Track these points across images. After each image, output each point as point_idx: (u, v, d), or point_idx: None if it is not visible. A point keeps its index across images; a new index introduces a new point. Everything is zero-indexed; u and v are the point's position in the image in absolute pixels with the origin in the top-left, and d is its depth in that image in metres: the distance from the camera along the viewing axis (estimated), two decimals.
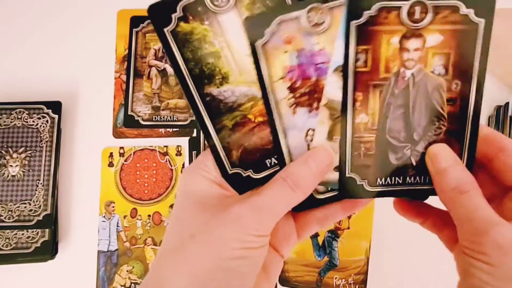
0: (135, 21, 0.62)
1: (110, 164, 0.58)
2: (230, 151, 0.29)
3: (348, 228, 0.55)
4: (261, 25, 0.27)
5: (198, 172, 0.28)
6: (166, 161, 0.58)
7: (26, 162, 0.54)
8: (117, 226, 0.56)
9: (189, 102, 0.28)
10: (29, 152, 0.55)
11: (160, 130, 0.59)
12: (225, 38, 0.28)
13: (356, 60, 0.27)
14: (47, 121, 0.56)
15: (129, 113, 0.59)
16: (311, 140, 0.29)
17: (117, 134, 0.59)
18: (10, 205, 0.53)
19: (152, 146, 0.58)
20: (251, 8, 0.28)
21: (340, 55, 0.27)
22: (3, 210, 0.53)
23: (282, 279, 0.55)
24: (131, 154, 0.58)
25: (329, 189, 0.29)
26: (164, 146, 0.58)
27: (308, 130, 0.29)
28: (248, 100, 0.28)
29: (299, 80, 0.28)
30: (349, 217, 0.55)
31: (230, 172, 0.29)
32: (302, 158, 0.28)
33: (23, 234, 0.53)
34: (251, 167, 0.29)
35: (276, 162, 0.29)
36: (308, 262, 0.55)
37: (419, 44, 0.27)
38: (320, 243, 0.55)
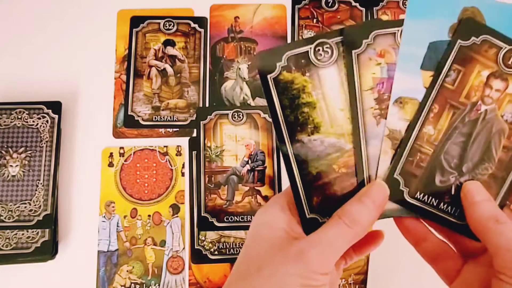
0: (135, 21, 0.62)
1: (110, 164, 0.58)
2: (311, 197, 0.30)
3: None
4: (359, 36, 0.29)
5: (271, 212, 0.30)
6: (166, 161, 0.58)
7: (26, 162, 0.54)
8: (117, 226, 0.56)
9: (280, 145, 0.30)
10: (29, 152, 0.55)
11: (160, 130, 0.59)
12: (322, 91, 0.30)
13: (447, 75, 0.29)
14: (47, 121, 0.56)
15: (129, 113, 0.59)
16: None
17: (117, 134, 0.59)
18: (10, 205, 0.53)
19: (152, 146, 0.58)
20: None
21: (399, 87, 0.29)
22: (3, 210, 0.53)
23: None
24: (131, 154, 0.58)
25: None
26: (164, 146, 0.58)
27: None
28: (335, 151, 0.30)
29: (387, 93, 0.30)
30: None
31: (308, 216, 0.30)
32: (356, 197, 0.29)
33: (23, 234, 0.53)
34: (328, 214, 0.30)
35: None
36: None
37: (502, 86, 0.29)
38: None
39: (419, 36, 0.29)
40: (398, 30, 0.29)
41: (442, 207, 0.30)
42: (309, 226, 0.30)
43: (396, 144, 0.30)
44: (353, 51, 0.29)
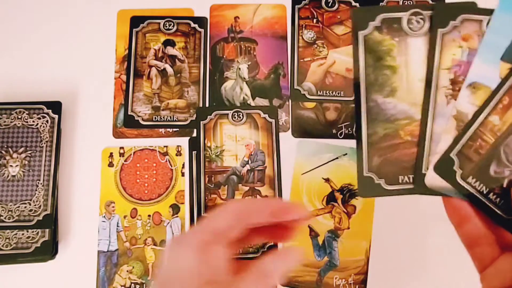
0: (135, 21, 0.62)
1: (110, 164, 0.58)
2: (373, 156, 0.31)
3: (348, 228, 0.55)
4: (447, 16, 0.31)
5: (184, 256, 0.28)
6: (166, 161, 0.58)
7: (26, 162, 0.54)
8: (117, 226, 0.56)
9: (355, 100, 0.31)
10: (29, 152, 0.55)
11: (160, 130, 0.59)
12: (406, 58, 0.31)
13: None
14: (47, 121, 0.56)
15: (129, 113, 0.59)
16: None
17: (117, 134, 0.59)
18: (10, 205, 0.53)
19: (152, 146, 0.58)
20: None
21: (475, 73, 0.30)
22: (3, 210, 0.53)
23: None
24: (131, 154, 0.58)
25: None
26: (164, 146, 0.58)
27: None
28: (405, 118, 0.31)
29: (462, 75, 0.30)
30: (349, 217, 0.55)
31: (365, 174, 0.31)
32: (278, 252, 0.29)
33: (23, 234, 0.53)
34: (384, 176, 0.31)
35: (407, 181, 0.31)
36: (308, 262, 0.55)
37: None
38: (320, 243, 0.55)
39: (505, 28, 0.30)
40: (485, 18, 0.30)
41: (491, 197, 0.30)
42: (364, 184, 0.31)
43: (461, 126, 0.30)
44: (439, 30, 0.30)
